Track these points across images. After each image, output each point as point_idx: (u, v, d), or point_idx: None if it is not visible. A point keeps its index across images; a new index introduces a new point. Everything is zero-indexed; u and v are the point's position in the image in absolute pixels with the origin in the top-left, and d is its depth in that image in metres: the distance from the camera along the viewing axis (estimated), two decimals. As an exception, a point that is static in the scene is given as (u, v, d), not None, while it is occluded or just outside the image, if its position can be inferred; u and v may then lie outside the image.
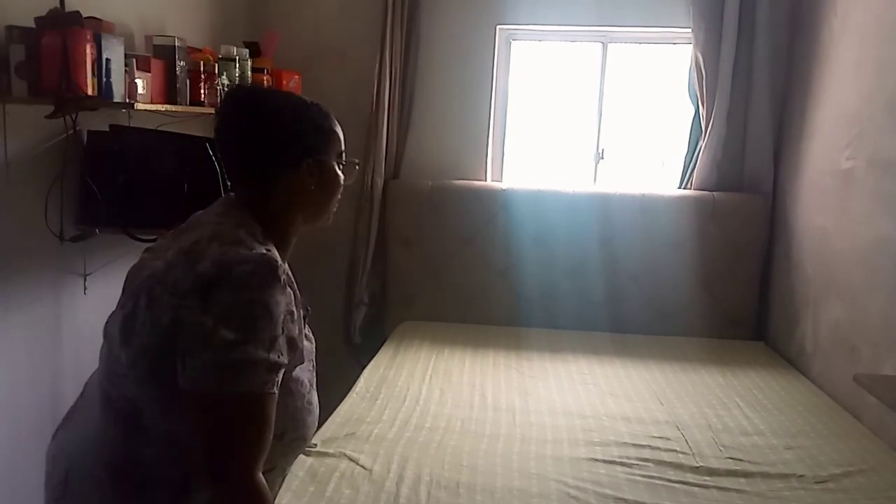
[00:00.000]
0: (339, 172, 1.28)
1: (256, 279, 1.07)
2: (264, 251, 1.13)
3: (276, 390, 1.08)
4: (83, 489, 1.17)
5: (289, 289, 1.12)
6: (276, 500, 1.38)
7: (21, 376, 1.96)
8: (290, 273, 1.17)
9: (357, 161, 1.38)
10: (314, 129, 1.25)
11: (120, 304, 1.16)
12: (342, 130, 1.29)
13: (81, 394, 1.28)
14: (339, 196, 1.31)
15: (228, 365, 1.03)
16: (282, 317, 1.08)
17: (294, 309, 1.14)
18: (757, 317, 3.13)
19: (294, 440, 1.22)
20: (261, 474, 1.07)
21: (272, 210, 1.23)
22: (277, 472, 1.29)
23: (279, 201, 1.23)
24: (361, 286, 3.26)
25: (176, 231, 1.21)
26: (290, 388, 1.18)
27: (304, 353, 1.21)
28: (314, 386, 1.27)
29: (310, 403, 1.25)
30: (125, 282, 1.19)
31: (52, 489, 1.22)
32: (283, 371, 1.10)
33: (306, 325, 1.26)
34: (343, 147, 1.31)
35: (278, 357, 1.07)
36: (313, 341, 1.30)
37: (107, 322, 1.17)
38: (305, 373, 1.24)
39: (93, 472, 1.16)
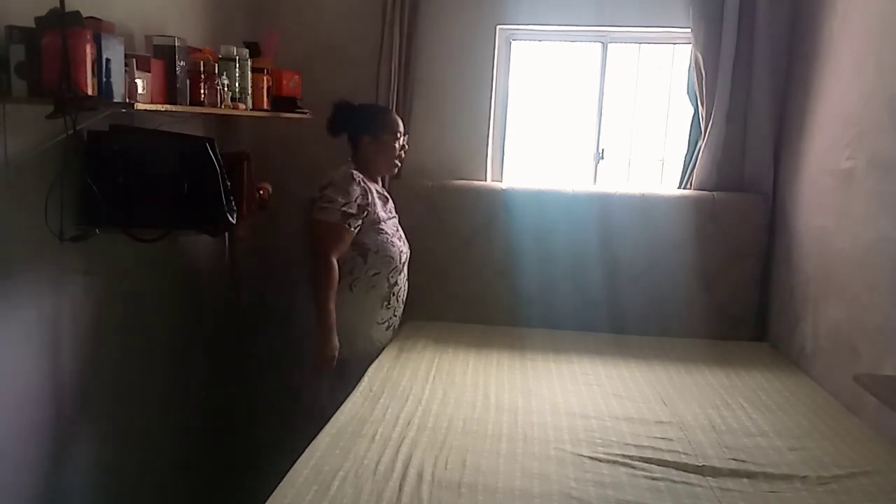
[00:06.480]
0: (394, 145, 2.74)
1: (341, 178, 2.58)
2: (349, 170, 2.61)
3: (349, 226, 2.53)
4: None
5: (363, 185, 2.59)
6: (278, 492, 1.55)
7: (22, 375, 1.95)
8: (369, 184, 2.65)
9: (405, 134, 2.84)
10: (373, 120, 2.74)
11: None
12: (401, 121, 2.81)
13: None
14: (395, 158, 2.77)
15: (323, 207, 2.52)
16: (355, 196, 2.54)
17: (369, 197, 2.59)
18: (757, 317, 3.13)
19: (382, 257, 2.62)
20: (334, 259, 2.50)
21: (359, 158, 2.72)
22: (381, 285, 2.65)
23: (359, 155, 2.72)
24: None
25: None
26: (380, 228, 2.62)
27: (384, 218, 2.65)
28: (399, 234, 2.73)
29: (391, 243, 2.64)
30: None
31: None
32: (357, 218, 2.55)
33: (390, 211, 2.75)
34: (401, 129, 2.78)
35: (348, 210, 2.52)
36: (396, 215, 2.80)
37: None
38: (391, 227, 2.69)
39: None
